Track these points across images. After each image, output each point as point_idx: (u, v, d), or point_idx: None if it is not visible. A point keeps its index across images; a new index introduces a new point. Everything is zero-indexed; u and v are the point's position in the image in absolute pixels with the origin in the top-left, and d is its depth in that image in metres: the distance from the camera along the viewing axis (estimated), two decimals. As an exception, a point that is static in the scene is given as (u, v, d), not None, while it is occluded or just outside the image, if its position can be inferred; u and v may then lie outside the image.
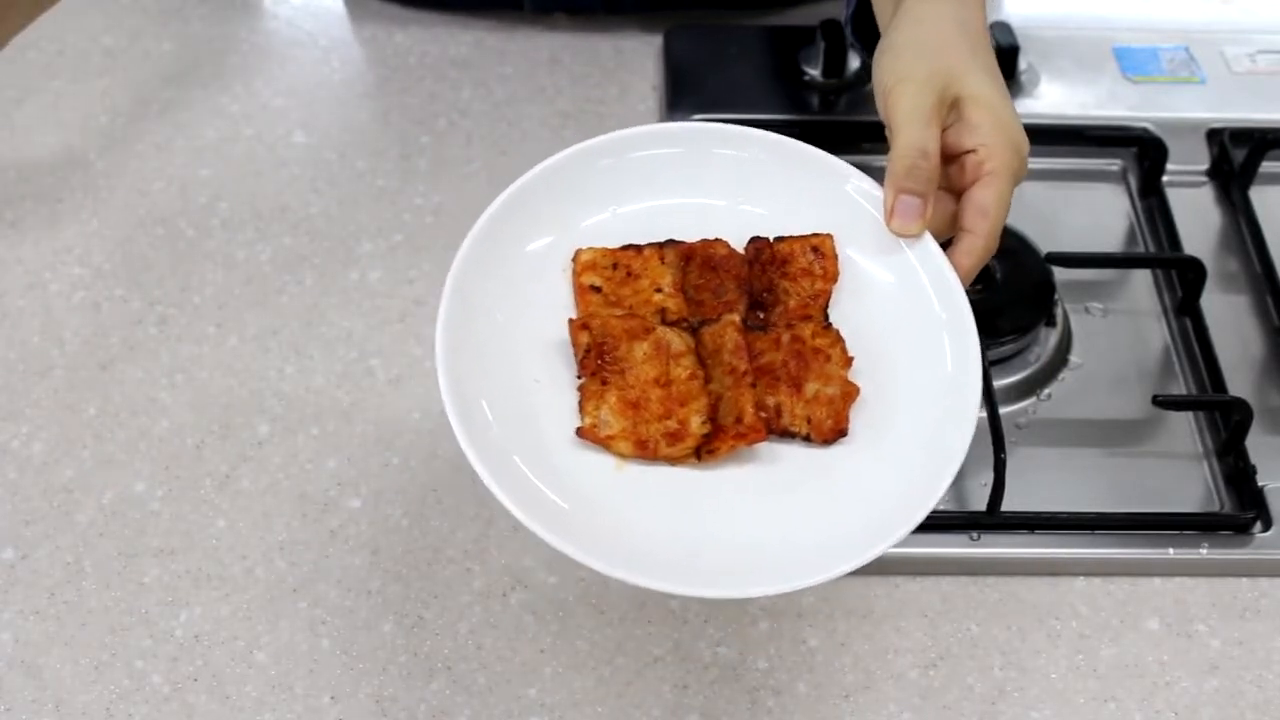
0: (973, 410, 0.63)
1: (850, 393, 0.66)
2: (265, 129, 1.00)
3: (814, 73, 1.01)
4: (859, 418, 0.66)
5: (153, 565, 0.79)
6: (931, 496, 0.61)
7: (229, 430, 0.84)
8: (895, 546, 0.60)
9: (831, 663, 0.76)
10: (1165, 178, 0.96)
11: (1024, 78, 1.02)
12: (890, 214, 0.67)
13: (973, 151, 0.67)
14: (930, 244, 0.67)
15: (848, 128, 0.99)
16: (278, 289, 0.91)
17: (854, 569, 0.59)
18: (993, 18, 1.03)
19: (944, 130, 0.68)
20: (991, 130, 0.67)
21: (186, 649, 0.75)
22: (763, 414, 0.65)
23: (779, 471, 0.65)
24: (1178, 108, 1.00)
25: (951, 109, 0.68)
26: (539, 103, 1.03)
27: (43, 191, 0.96)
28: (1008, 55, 1.00)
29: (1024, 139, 0.68)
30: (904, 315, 0.67)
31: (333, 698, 0.74)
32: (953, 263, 0.67)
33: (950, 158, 0.69)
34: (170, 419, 0.85)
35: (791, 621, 0.77)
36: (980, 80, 0.69)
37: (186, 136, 1.00)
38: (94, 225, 0.94)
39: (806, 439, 0.65)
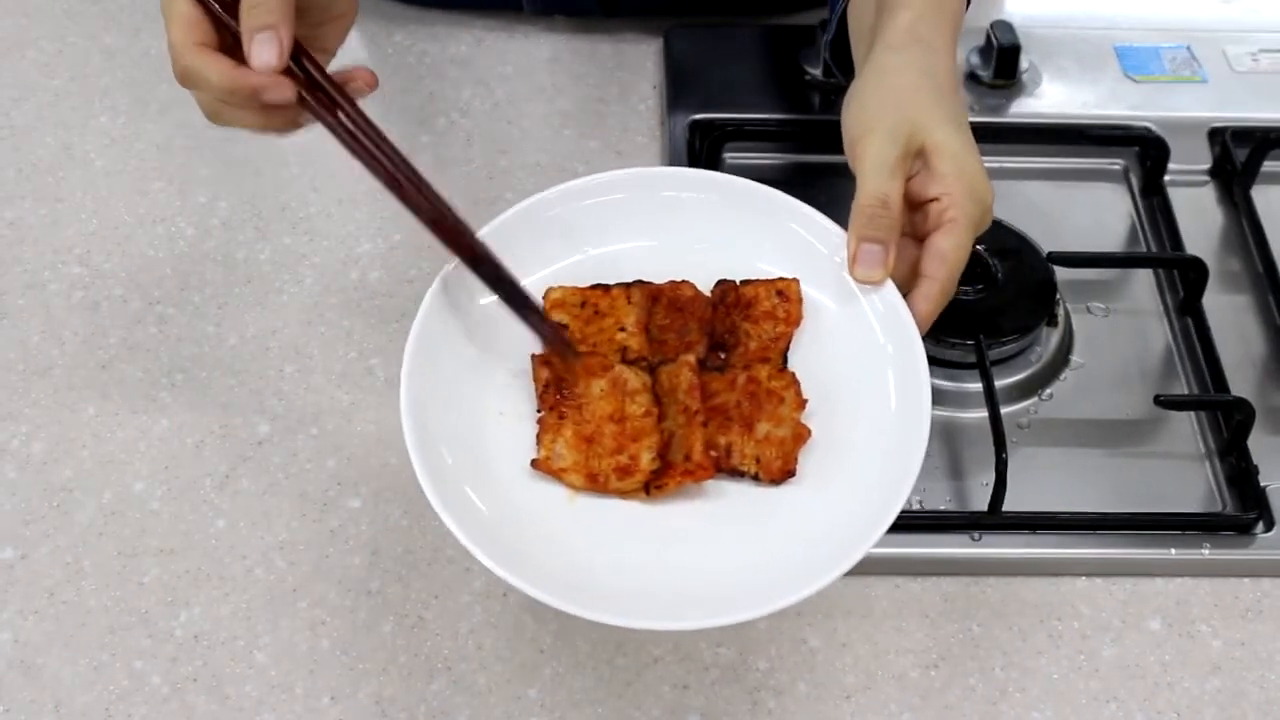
0: (919, 451, 0.64)
1: (801, 435, 0.67)
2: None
3: (814, 73, 1.01)
4: (809, 458, 0.67)
5: (152, 565, 0.78)
6: (874, 532, 0.62)
7: (229, 430, 0.84)
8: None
9: (832, 663, 0.76)
10: (1167, 177, 0.96)
11: (1025, 77, 1.01)
12: (853, 262, 0.68)
13: (936, 200, 0.69)
14: (890, 290, 0.68)
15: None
16: (278, 289, 0.91)
17: (793, 604, 0.60)
18: (994, 17, 1.02)
19: (909, 179, 0.69)
20: (955, 179, 0.68)
21: (186, 649, 0.75)
22: (713, 453, 0.66)
23: (727, 508, 0.66)
24: (1179, 107, 1.00)
25: (917, 158, 0.70)
26: (539, 103, 1.03)
27: (43, 191, 0.96)
28: (1009, 54, 1.00)
29: (988, 189, 0.69)
30: (860, 359, 0.69)
31: (333, 698, 0.74)
32: (911, 308, 0.68)
33: (915, 205, 0.70)
34: (170, 419, 0.85)
35: (792, 621, 0.77)
36: (945, 130, 0.69)
37: (186, 136, 1.00)
38: (94, 225, 0.94)
39: (755, 478, 0.66)
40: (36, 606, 0.77)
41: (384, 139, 0.68)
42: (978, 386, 0.83)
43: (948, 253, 0.67)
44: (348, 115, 0.67)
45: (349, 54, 1.06)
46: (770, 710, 0.74)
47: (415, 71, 1.04)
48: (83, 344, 0.88)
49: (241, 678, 0.74)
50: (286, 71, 0.65)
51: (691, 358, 0.68)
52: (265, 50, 0.63)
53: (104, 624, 0.76)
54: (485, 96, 1.03)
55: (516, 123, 1.01)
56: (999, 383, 0.84)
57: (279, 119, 0.67)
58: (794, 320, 0.70)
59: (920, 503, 0.81)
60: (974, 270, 0.87)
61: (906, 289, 0.69)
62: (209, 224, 0.94)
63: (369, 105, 1.02)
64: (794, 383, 0.68)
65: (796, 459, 0.66)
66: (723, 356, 0.70)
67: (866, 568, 0.78)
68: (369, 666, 0.75)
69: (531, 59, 1.05)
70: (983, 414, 0.81)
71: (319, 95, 0.67)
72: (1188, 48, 1.04)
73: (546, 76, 1.04)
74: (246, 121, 0.67)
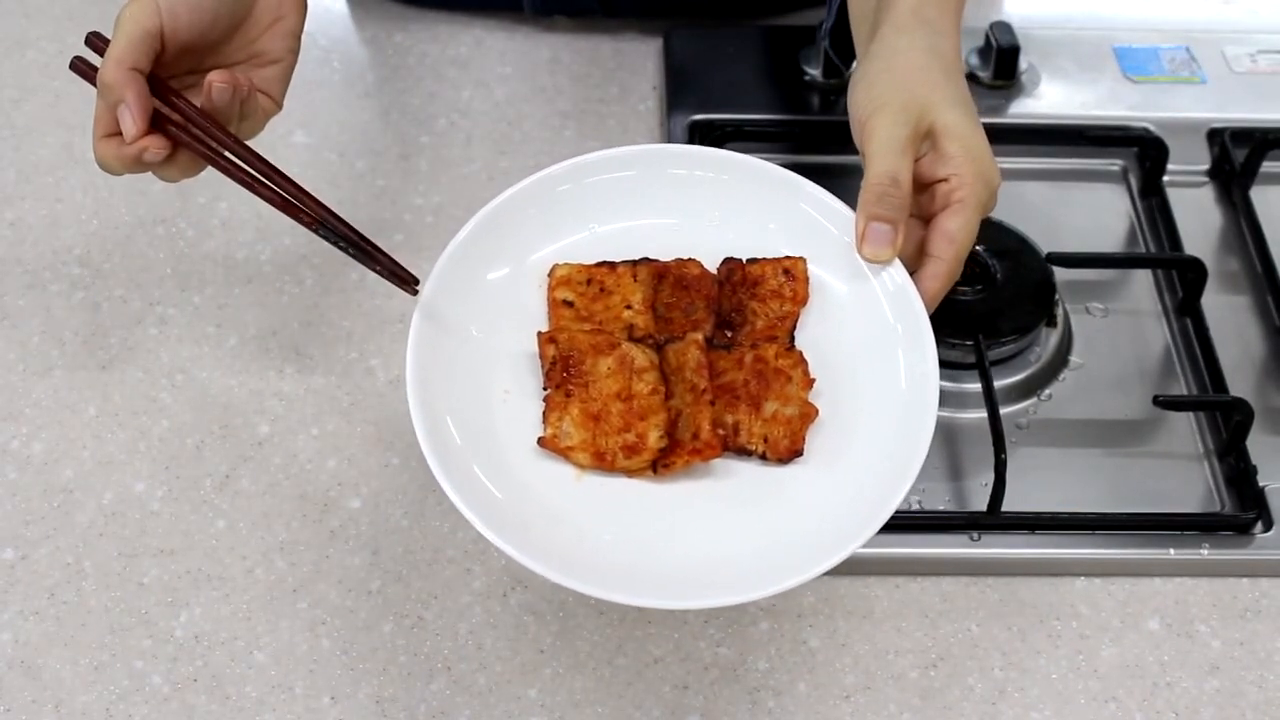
0: (927, 432, 0.64)
1: (809, 414, 0.67)
2: (265, 129, 1.00)
3: (814, 73, 1.01)
4: (816, 438, 0.67)
5: (153, 565, 0.78)
6: (881, 514, 0.62)
7: (229, 430, 0.84)
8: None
9: (832, 663, 0.76)
10: (1166, 178, 0.96)
11: (1024, 77, 1.01)
12: (861, 240, 0.68)
13: (944, 180, 0.69)
14: (898, 269, 0.68)
15: (848, 128, 0.99)
16: (278, 289, 0.91)
17: (797, 585, 0.61)
18: (993, 18, 1.03)
19: (918, 160, 0.69)
20: (964, 161, 0.69)
21: (186, 649, 0.75)
22: (720, 431, 0.66)
23: (734, 487, 0.66)
24: (1178, 107, 1.00)
25: (925, 139, 0.70)
26: (539, 103, 1.03)
27: (43, 191, 0.96)
28: (1008, 55, 1.00)
29: (995, 172, 0.70)
30: (868, 338, 0.69)
31: (333, 698, 0.74)
32: (918, 288, 0.68)
33: (922, 186, 0.70)
34: (170, 419, 0.85)
35: (792, 622, 0.77)
36: (954, 112, 0.70)
37: (186, 136, 1.00)
38: (94, 225, 0.94)
39: (763, 457, 0.66)
40: (37, 607, 0.77)
41: (264, 162, 0.72)
42: (977, 387, 0.83)
43: (955, 233, 0.68)
44: (226, 146, 0.72)
45: (349, 54, 1.06)
46: (770, 710, 0.74)
47: (415, 72, 1.04)
48: (83, 344, 0.88)
49: (241, 678, 0.75)
50: (163, 123, 0.70)
51: (699, 336, 0.68)
52: (124, 123, 0.70)
53: (104, 624, 0.76)
54: (485, 97, 1.03)
55: (516, 123, 1.01)
56: (998, 383, 0.84)
57: (191, 167, 0.73)
58: (801, 299, 0.70)
59: (920, 503, 0.81)
60: (973, 271, 0.87)
61: (912, 269, 0.69)
62: (209, 224, 0.94)
63: (369, 105, 1.03)
64: (801, 362, 0.68)
65: (804, 438, 0.66)
66: (729, 335, 0.70)
67: (866, 568, 0.79)
68: (369, 666, 0.75)
69: (531, 59, 1.05)
70: (982, 414, 0.81)
71: (197, 134, 0.71)
72: (1186, 48, 1.04)
73: (546, 77, 1.04)
74: (171, 178, 0.73)
